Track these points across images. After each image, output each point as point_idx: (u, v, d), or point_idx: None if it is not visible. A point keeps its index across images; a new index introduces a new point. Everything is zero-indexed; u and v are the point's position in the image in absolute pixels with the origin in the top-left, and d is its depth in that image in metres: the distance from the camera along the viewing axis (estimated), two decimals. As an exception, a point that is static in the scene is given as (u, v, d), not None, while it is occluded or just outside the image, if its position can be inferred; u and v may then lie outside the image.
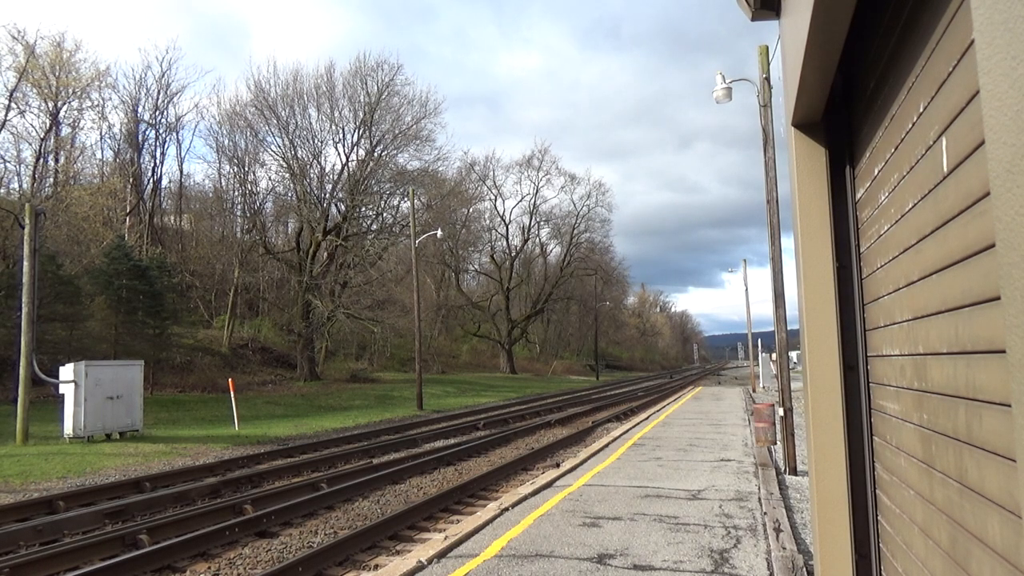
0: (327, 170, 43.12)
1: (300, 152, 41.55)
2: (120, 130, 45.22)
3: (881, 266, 2.71)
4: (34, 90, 35.32)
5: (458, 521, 9.56)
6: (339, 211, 42.86)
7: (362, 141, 42.68)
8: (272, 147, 41.85)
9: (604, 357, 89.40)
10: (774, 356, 20.04)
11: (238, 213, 45.64)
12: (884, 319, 2.73)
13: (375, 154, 42.79)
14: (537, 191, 73.63)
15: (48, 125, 36.77)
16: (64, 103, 37.46)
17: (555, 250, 79.62)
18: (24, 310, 18.81)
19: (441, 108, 53.32)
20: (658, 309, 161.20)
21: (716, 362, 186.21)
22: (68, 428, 17.82)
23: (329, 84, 42.46)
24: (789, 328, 12.93)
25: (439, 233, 39.28)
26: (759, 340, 46.02)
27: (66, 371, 18.11)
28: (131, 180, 42.88)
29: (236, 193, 45.17)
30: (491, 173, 71.32)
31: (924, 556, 2.26)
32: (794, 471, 12.02)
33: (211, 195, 48.38)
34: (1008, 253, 1.13)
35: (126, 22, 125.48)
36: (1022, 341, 1.08)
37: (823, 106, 3.11)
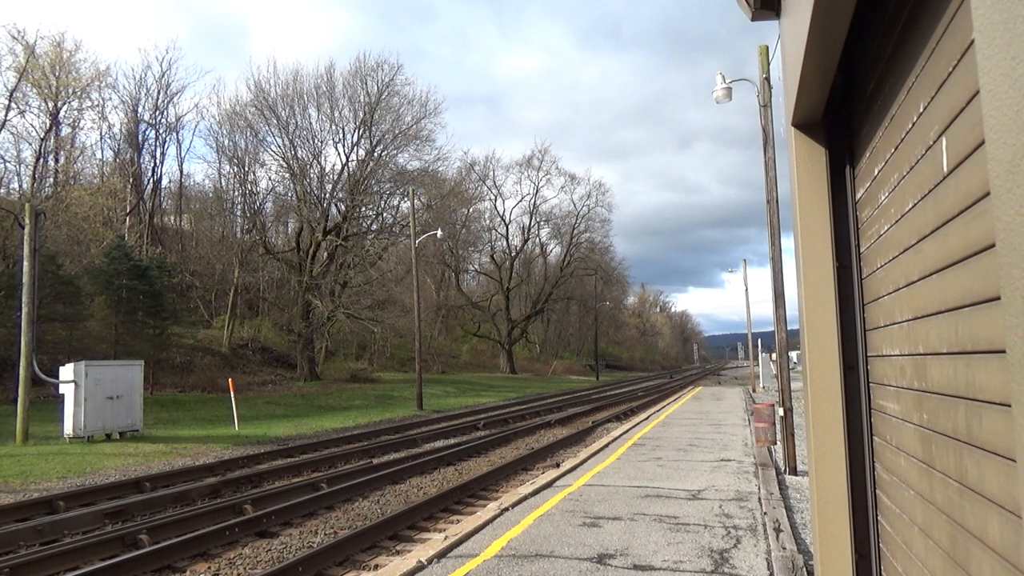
0: (327, 170, 43.18)
1: (300, 152, 41.61)
2: (120, 130, 45.34)
3: (881, 266, 2.71)
4: (34, 90, 35.35)
5: (458, 521, 9.56)
6: (339, 211, 42.87)
7: (362, 141, 42.73)
8: (272, 147, 41.91)
9: (604, 357, 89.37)
10: (774, 356, 20.04)
11: (238, 213, 45.63)
12: (884, 319, 2.73)
13: (375, 154, 42.81)
14: (537, 191, 73.75)
15: (48, 125, 36.81)
16: (64, 103, 37.51)
17: (555, 250, 79.76)
18: (24, 310, 18.82)
19: (441, 108, 53.38)
20: (658, 309, 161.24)
21: (716, 362, 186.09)
22: (68, 428, 17.83)
23: (329, 84, 42.52)
24: (789, 328, 12.94)
25: (439, 233, 39.30)
26: (759, 340, 46.04)
27: (66, 371, 18.12)
28: (131, 180, 42.92)
29: (236, 193, 45.18)
30: (491, 173, 71.43)
31: (924, 556, 2.26)
32: (794, 471, 12.02)
33: (211, 195, 48.37)
34: (1008, 253, 1.13)
35: (126, 22, 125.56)
36: (1022, 341, 1.08)
37: (823, 106, 3.11)
